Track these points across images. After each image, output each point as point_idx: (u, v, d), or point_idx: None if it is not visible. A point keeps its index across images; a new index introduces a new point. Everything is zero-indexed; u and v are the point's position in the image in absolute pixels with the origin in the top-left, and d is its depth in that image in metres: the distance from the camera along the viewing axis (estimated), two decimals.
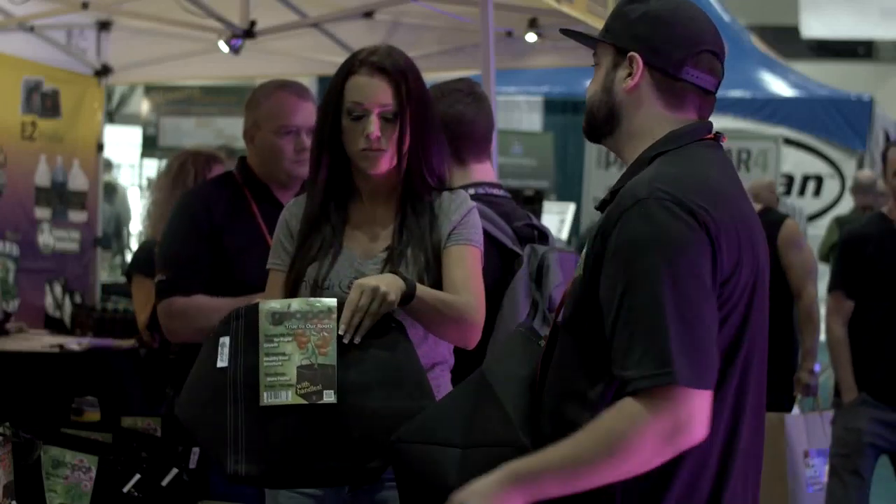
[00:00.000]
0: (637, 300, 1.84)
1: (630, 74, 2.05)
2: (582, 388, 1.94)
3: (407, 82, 2.61)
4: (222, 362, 2.38)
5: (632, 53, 2.05)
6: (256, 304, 2.43)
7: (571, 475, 1.86)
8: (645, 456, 1.83)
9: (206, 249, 3.33)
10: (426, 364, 2.53)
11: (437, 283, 2.59)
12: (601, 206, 2.08)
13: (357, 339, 2.35)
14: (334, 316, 2.36)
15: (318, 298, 2.43)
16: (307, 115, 3.39)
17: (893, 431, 4.78)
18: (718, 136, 2.09)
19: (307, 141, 3.34)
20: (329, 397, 2.30)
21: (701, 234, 1.88)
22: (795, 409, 5.49)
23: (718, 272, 1.89)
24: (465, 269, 2.61)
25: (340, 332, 2.35)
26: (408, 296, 2.43)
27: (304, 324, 2.36)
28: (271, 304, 2.41)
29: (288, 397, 2.31)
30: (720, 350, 1.90)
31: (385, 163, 2.61)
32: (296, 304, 2.40)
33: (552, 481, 1.87)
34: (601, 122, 2.11)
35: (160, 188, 4.68)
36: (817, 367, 5.37)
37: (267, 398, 2.32)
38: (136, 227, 10.93)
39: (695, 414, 1.81)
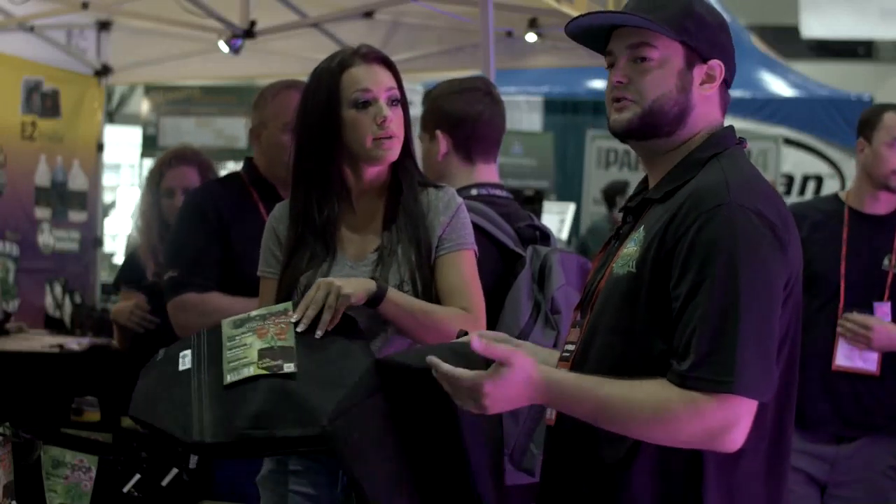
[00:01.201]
0: (713, 301, 1.86)
1: (709, 80, 2.07)
2: None
3: (398, 74, 2.62)
4: (184, 366, 2.38)
5: (716, 62, 2.07)
6: (218, 325, 2.44)
7: (603, 415, 1.90)
8: (679, 440, 1.89)
9: (215, 246, 3.35)
10: None
11: (430, 281, 2.58)
12: (642, 205, 2.07)
13: (319, 333, 2.35)
14: (291, 312, 2.39)
15: (277, 304, 2.46)
16: None
17: (823, 463, 3.75)
18: (742, 141, 2.12)
19: None
20: (289, 368, 2.30)
21: (777, 246, 1.91)
22: None
23: (787, 283, 1.93)
24: (460, 275, 2.59)
25: (293, 321, 2.36)
26: (376, 297, 2.43)
27: (264, 321, 2.39)
28: (231, 318, 2.44)
29: (250, 371, 2.31)
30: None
31: (398, 150, 2.59)
32: (255, 311, 2.45)
33: (580, 408, 1.92)
34: (668, 122, 2.06)
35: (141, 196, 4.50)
36: None
37: (230, 378, 2.32)
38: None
39: (741, 422, 1.86)
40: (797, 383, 2.05)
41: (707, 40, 2.07)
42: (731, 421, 1.85)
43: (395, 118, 2.56)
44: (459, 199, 2.66)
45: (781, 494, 2.03)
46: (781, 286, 1.92)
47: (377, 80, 2.56)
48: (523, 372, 1.92)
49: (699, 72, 2.06)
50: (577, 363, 2.07)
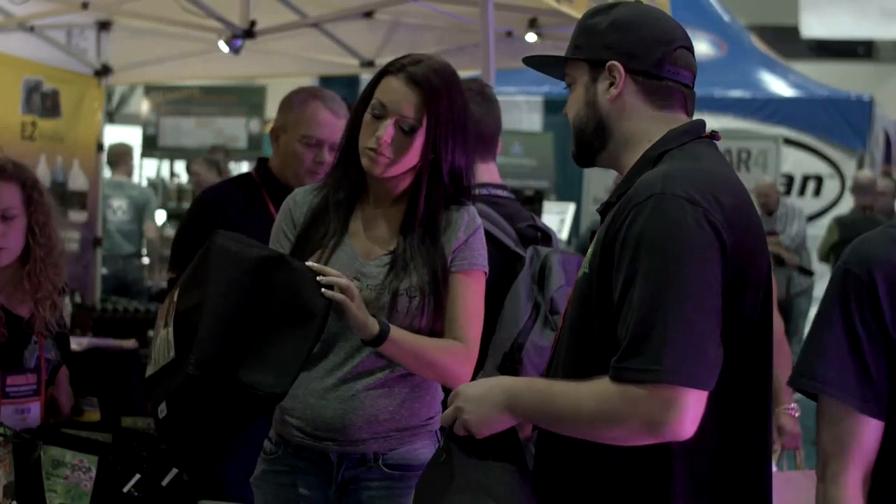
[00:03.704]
0: (642, 293, 1.86)
1: (612, 84, 2.06)
2: None
3: (437, 103, 2.55)
4: None
5: (611, 63, 2.06)
6: None
7: (558, 424, 1.98)
8: (624, 438, 1.90)
9: None
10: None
11: (437, 297, 2.58)
12: (605, 209, 2.07)
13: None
14: None
15: None
16: (334, 131, 3.40)
17: None
18: (714, 135, 2.10)
19: (328, 156, 3.38)
20: None
21: (710, 233, 1.88)
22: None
23: (727, 269, 1.90)
24: (463, 301, 2.59)
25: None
26: (374, 339, 2.47)
27: None
28: None
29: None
30: (729, 342, 1.91)
31: (386, 169, 2.57)
32: None
33: (539, 418, 2.01)
34: (591, 139, 2.11)
35: None
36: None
37: None
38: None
39: (681, 411, 1.83)
40: (771, 376, 2.04)
41: (597, 46, 2.08)
42: (667, 410, 1.82)
43: (393, 142, 2.55)
44: (479, 220, 2.66)
45: (760, 488, 2.02)
46: (716, 272, 1.88)
47: (396, 101, 2.55)
48: (495, 377, 2.14)
49: (603, 79, 2.08)
50: (551, 365, 2.11)
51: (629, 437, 1.89)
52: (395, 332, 2.49)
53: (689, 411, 1.83)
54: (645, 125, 2.06)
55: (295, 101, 3.49)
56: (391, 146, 2.55)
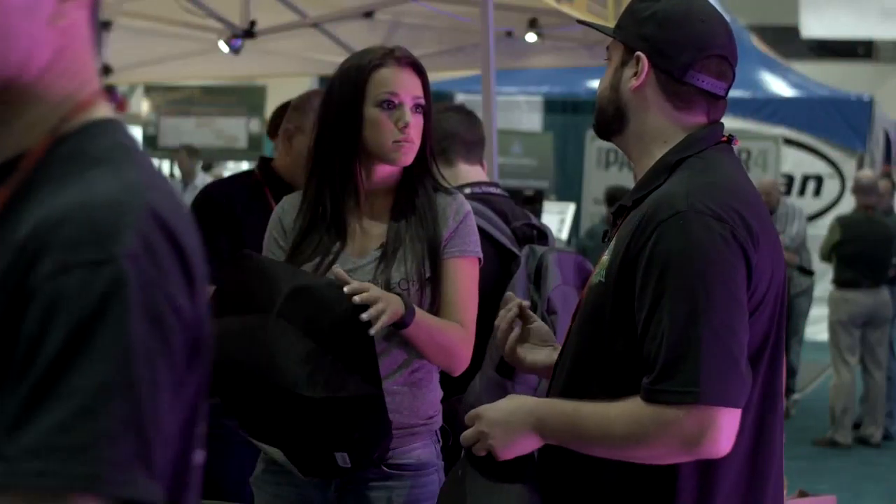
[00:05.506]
0: (671, 314, 1.84)
1: (636, 74, 2.03)
2: (595, 396, 1.95)
3: (427, 79, 2.63)
4: None
5: (638, 53, 2.03)
6: None
7: (588, 445, 1.96)
8: (659, 458, 1.90)
9: (226, 242, 3.35)
10: (407, 361, 2.58)
11: (435, 279, 2.59)
12: (619, 212, 2.06)
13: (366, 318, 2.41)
14: None
15: None
16: None
17: None
18: (731, 139, 2.08)
19: None
20: None
21: (738, 250, 1.88)
22: None
23: (751, 287, 1.90)
24: (458, 286, 2.59)
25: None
26: (402, 323, 2.46)
27: None
28: None
29: None
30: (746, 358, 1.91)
31: (413, 155, 2.60)
32: None
33: (568, 441, 1.98)
34: (610, 120, 2.09)
35: None
36: None
37: None
38: None
39: (718, 430, 1.84)
40: (783, 390, 2.04)
41: (634, 32, 2.05)
42: (704, 430, 1.83)
43: (415, 125, 2.58)
44: (468, 207, 2.65)
45: (765, 496, 2.01)
46: (744, 289, 1.88)
47: (405, 85, 2.58)
48: (516, 398, 2.09)
49: (630, 66, 2.05)
50: (557, 370, 2.10)
51: (664, 457, 1.89)
52: (419, 314, 2.50)
53: (725, 430, 1.84)
54: (661, 124, 2.04)
55: (316, 105, 3.47)
56: (415, 129, 2.57)
